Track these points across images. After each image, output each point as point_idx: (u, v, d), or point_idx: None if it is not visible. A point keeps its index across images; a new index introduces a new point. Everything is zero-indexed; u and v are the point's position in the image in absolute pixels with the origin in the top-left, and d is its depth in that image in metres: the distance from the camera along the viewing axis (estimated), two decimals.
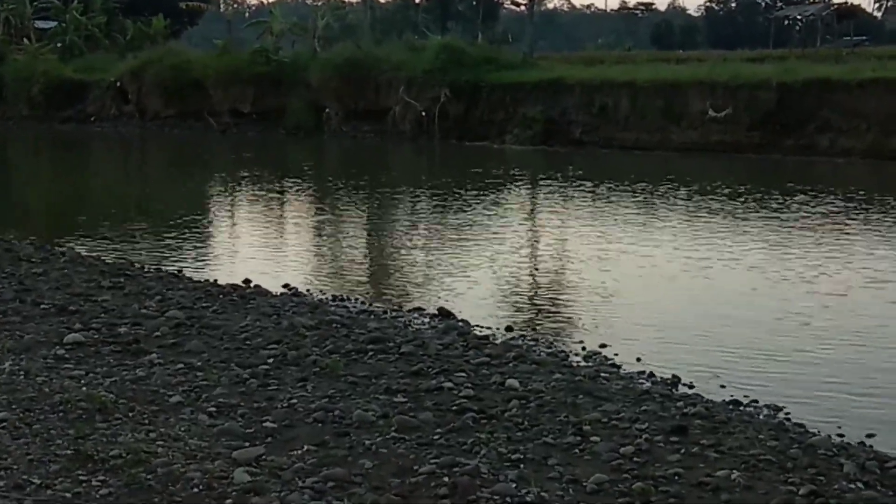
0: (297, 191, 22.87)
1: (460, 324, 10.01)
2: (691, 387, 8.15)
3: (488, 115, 32.97)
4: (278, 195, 22.28)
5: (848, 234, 15.73)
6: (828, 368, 8.78)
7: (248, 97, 38.66)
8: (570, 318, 10.80)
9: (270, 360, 8.07)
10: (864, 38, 60.54)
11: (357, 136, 35.19)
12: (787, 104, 27.49)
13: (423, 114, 33.68)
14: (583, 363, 8.77)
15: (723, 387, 8.18)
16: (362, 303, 11.10)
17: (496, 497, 5.40)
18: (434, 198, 20.94)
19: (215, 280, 12.04)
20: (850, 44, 49.15)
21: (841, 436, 7.02)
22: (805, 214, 17.51)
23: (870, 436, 7.01)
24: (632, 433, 6.56)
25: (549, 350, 9.17)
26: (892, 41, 39.37)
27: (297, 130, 36.46)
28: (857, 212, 17.81)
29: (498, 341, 9.34)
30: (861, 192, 19.91)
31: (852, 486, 5.78)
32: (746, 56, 39.79)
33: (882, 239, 15.17)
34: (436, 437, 6.38)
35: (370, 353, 8.39)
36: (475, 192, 21.05)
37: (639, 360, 8.93)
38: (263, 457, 5.90)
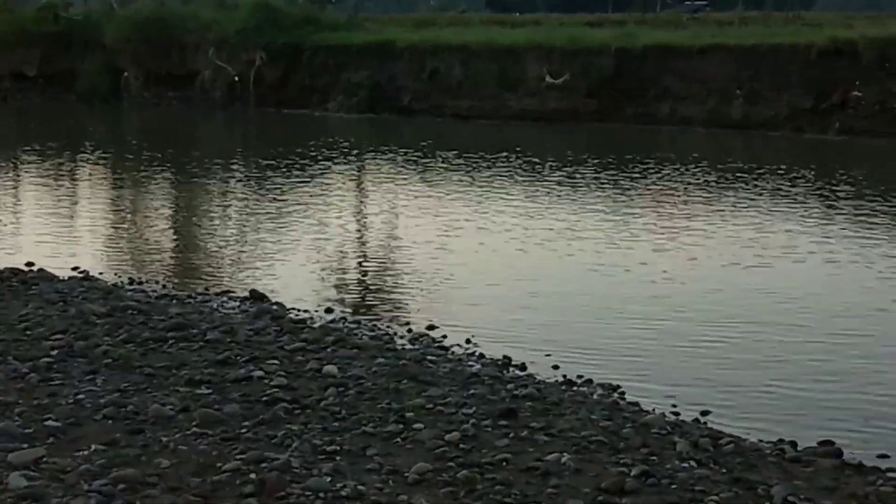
0: (92, 164, 22.05)
1: (274, 307, 9.91)
2: (523, 368, 8.32)
3: (309, 80, 32.66)
4: (69, 169, 21.43)
5: (689, 205, 16.39)
6: (665, 345, 9.12)
7: (33, 59, 36.98)
8: (396, 298, 10.85)
9: (54, 352, 7.76)
10: (705, 2, 63.14)
11: (161, 104, 34.23)
12: (626, 71, 28.37)
13: (237, 79, 33.05)
14: (408, 346, 8.82)
15: (556, 367, 8.39)
16: (163, 287, 10.84)
17: (308, 493, 5.37)
18: (248, 171, 20.62)
19: None
20: (690, 9, 51.14)
21: (676, 413, 7.32)
22: (646, 186, 18.14)
23: (704, 413, 7.33)
24: (458, 419, 6.65)
25: (373, 333, 9.19)
26: (732, 6, 41.21)
27: (91, 97, 35.14)
28: (697, 182, 18.58)
29: (316, 325, 9.29)
30: (702, 162, 20.78)
31: (685, 464, 6.03)
32: (585, 20, 40.81)
33: (723, 210, 15.88)
34: (243, 430, 6.31)
35: (170, 342, 8.22)
36: (294, 165, 20.84)
37: (469, 341, 9.05)
38: (44, 459, 5.68)
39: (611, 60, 28.63)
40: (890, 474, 6.18)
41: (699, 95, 27.43)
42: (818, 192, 17.43)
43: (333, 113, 31.31)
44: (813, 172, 19.49)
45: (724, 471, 5.99)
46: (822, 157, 22.17)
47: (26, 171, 21.04)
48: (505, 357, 8.54)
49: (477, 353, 8.67)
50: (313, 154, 22.47)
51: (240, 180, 19.56)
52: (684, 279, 11.49)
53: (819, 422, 7.20)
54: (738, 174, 19.37)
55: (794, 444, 6.65)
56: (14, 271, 10.93)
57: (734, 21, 36.11)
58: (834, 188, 17.78)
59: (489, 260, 12.64)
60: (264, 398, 6.89)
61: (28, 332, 8.33)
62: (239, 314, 9.57)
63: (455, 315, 10.07)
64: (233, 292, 10.60)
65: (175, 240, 14.33)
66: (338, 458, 5.92)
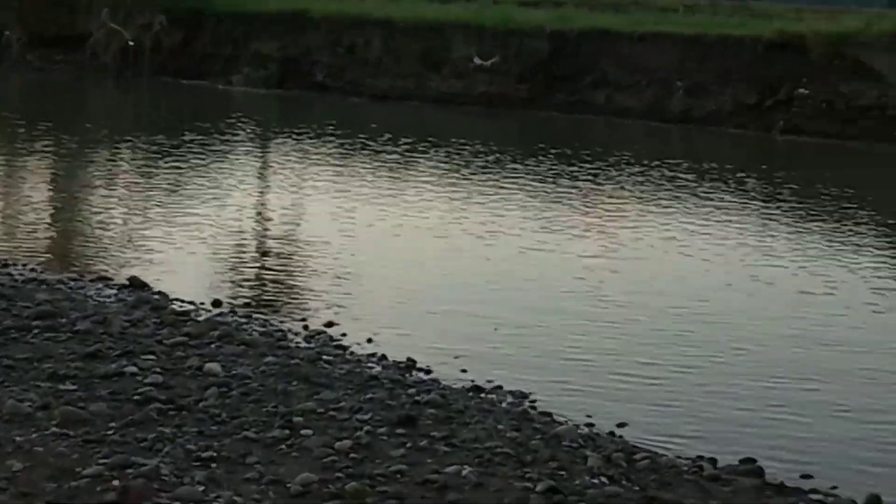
0: None
1: (156, 297, 9.80)
2: (428, 371, 8.33)
3: (213, 49, 32.24)
4: None
5: (618, 204, 16.54)
6: (583, 353, 9.17)
7: None
8: (294, 292, 10.77)
9: None
10: None
11: (45, 68, 33.49)
12: (561, 55, 28.51)
13: (131, 44, 32.52)
14: (303, 344, 8.77)
15: (464, 371, 8.41)
16: (32, 269, 10.65)
17: (177, 503, 5.29)
18: (139, 147, 20.29)
19: None
20: None
21: (590, 425, 7.37)
22: (574, 182, 18.25)
23: (621, 425, 7.40)
24: (351, 425, 6.61)
25: (264, 329, 9.13)
26: None
27: None
28: (630, 179, 18.75)
29: (201, 318, 9.22)
30: (637, 157, 20.96)
31: (595, 480, 6.06)
32: None
33: (653, 210, 16.05)
34: (109, 432, 6.22)
35: (35, 331, 8.08)
36: (192, 143, 20.56)
37: (370, 340, 9.03)
38: None
39: (545, 44, 28.74)
40: (812, 496, 6.31)
41: (638, 85, 27.68)
42: (755, 193, 17.70)
43: (238, 86, 30.96)
44: (752, 172, 19.80)
45: (637, 488, 6.04)
46: (764, 157, 22.56)
47: None
48: (409, 359, 8.52)
49: (378, 354, 8.65)
50: (213, 131, 22.20)
51: (129, 157, 19.26)
52: (607, 284, 11.55)
53: (741, 439, 7.30)
54: (674, 172, 19.59)
55: (713, 462, 6.74)
56: None
57: (679, 8, 36.51)
58: (772, 190, 18.08)
59: (398, 255, 12.60)
60: (136, 397, 6.79)
61: None
62: (115, 303, 9.45)
63: (357, 312, 10.03)
64: (111, 279, 10.46)
65: (50, 220, 14.04)
66: (213, 465, 5.86)
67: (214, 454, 5.99)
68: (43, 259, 11.39)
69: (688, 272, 12.27)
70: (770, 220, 15.62)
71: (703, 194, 17.42)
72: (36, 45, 34.14)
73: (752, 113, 25.94)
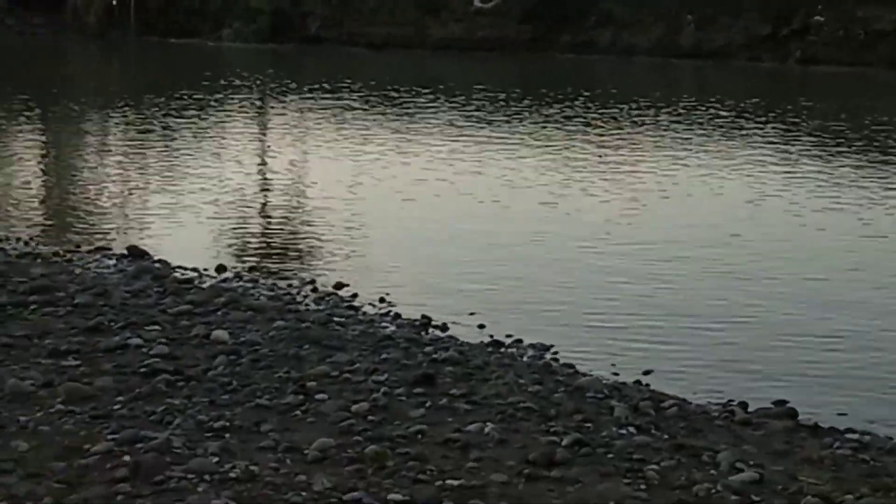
0: None
1: (157, 265, 9.79)
2: (444, 328, 8.32)
3: (200, 4, 32.17)
4: None
5: (635, 147, 16.47)
6: (604, 301, 9.17)
7: None
8: (301, 254, 10.77)
9: None
10: None
11: (25, 32, 33.45)
12: None
13: (114, 3, 32.43)
14: (313, 307, 8.76)
15: (482, 326, 8.39)
16: (26, 244, 10.62)
17: (191, 475, 5.29)
18: (128, 112, 20.25)
19: None
20: None
21: (615, 374, 7.37)
22: (586, 127, 18.18)
23: (647, 373, 7.39)
24: (367, 387, 6.61)
25: (272, 293, 9.12)
26: None
27: None
28: (644, 120, 18.67)
29: (205, 285, 9.20)
30: (648, 96, 20.89)
31: (623, 431, 6.06)
32: None
33: (671, 152, 15.98)
34: (116, 407, 6.20)
35: (32, 307, 8.05)
36: (183, 104, 20.51)
37: (383, 300, 9.02)
38: None
39: None
40: (848, 435, 6.30)
41: (645, 22, 27.53)
42: (776, 128, 17.63)
43: (228, 42, 30.91)
44: (771, 105, 19.70)
45: (667, 437, 6.03)
46: (782, 88, 22.46)
47: None
48: (424, 317, 8.51)
49: (392, 314, 8.64)
50: (205, 91, 22.15)
51: (118, 123, 19.21)
52: (624, 230, 11.54)
53: (773, 381, 7.29)
54: (689, 110, 19.51)
55: (744, 406, 6.74)
56: None
57: None
58: (794, 122, 18.01)
59: (408, 211, 12.56)
60: (142, 369, 6.78)
61: None
62: (115, 274, 9.44)
63: (368, 271, 10.01)
64: (109, 249, 10.45)
65: (43, 191, 14.04)
66: (227, 435, 5.84)
67: (227, 424, 5.98)
68: (36, 233, 11.39)
69: (716, 216, 12.21)
70: (799, 155, 15.53)
71: (726, 132, 17.34)
72: (15, 7, 34.07)
73: (765, 44, 25.81)
